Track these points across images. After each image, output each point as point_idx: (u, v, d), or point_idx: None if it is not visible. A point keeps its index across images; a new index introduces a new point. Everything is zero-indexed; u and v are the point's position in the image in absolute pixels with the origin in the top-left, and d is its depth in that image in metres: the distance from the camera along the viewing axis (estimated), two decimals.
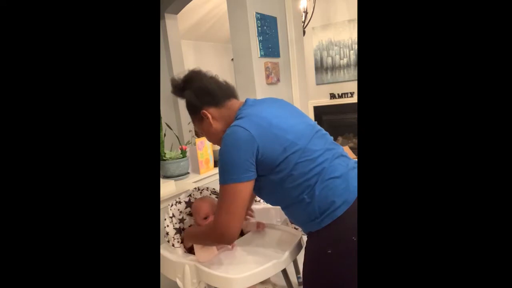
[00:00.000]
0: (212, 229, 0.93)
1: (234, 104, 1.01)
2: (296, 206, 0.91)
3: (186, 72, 1.05)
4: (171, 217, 1.16)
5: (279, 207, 1.26)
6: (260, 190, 0.95)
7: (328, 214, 0.86)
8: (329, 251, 0.86)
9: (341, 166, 0.91)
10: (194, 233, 1.09)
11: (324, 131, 1.00)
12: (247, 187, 0.88)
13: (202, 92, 0.99)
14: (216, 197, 1.30)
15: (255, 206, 1.36)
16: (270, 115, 0.93)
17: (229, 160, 0.87)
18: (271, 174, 0.89)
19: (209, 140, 1.11)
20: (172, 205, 1.19)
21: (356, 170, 0.93)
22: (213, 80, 1.03)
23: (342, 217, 0.86)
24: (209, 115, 0.99)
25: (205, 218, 1.15)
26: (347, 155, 0.97)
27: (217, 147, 1.74)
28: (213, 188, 1.32)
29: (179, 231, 1.17)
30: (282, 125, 0.91)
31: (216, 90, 1.01)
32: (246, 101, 1.00)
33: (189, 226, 1.21)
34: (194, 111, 1.02)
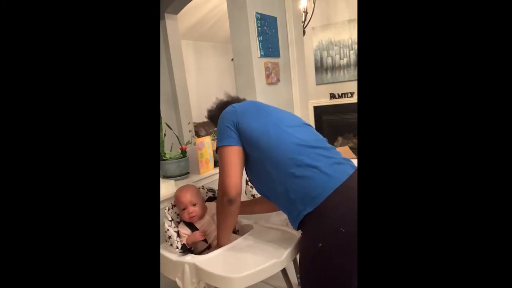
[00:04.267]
0: (218, 196, 1.04)
1: None
2: (279, 191, 0.96)
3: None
4: (170, 221, 1.16)
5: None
6: (250, 173, 1.06)
7: (310, 201, 0.89)
8: (320, 244, 0.88)
9: (322, 157, 0.95)
10: (218, 225, 1.13)
11: (317, 133, 1.07)
12: (230, 150, 1.00)
13: (222, 104, 1.23)
14: (212, 194, 1.32)
15: None
16: (263, 105, 1.11)
17: (218, 130, 1.06)
18: (252, 150, 1.00)
19: None
20: (169, 209, 1.19)
21: (341, 166, 0.96)
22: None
23: (326, 207, 0.88)
24: None
25: (184, 209, 1.17)
26: (339, 160, 0.99)
27: None
28: (209, 187, 1.32)
29: (178, 233, 1.17)
30: (271, 111, 1.07)
31: (233, 100, 1.24)
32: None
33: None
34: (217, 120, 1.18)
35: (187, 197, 1.18)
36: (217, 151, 1.04)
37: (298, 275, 1.31)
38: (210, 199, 1.31)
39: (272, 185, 0.98)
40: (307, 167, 0.92)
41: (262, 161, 0.99)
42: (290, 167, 0.93)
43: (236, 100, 1.26)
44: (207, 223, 1.19)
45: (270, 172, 0.97)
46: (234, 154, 1.01)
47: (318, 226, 0.90)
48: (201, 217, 1.20)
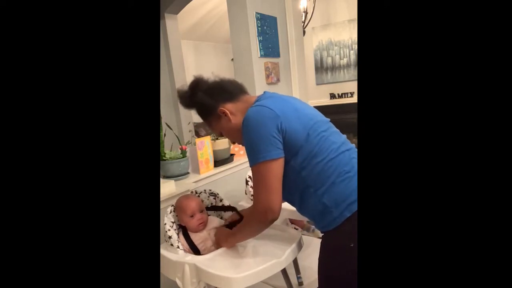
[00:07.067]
0: (253, 212, 0.92)
1: (249, 98, 1.01)
2: (312, 198, 0.90)
3: (190, 81, 1.04)
4: (172, 222, 1.16)
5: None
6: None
7: (347, 207, 0.86)
8: (352, 245, 0.84)
9: (354, 160, 0.91)
10: (235, 231, 1.06)
11: (340, 133, 1.00)
12: (277, 164, 0.86)
13: (214, 90, 0.99)
14: (213, 198, 1.29)
15: None
16: (292, 101, 0.96)
17: (254, 139, 0.87)
18: (292, 158, 0.89)
19: (232, 138, 1.07)
20: (170, 212, 1.18)
21: None
22: (220, 78, 1.04)
23: None
24: (227, 111, 0.97)
25: (192, 216, 1.14)
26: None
27: (217, 148, 1.76)
28: (210, 189, 1.31)
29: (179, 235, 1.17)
30: (305, 111, 0.94)
31: (229, 85, 1.01)
32: (264, 92, 1.01)
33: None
34: (210, 112, 1.00)
35: (194, 205, 1.15)
36: (258, 167, 0.86)
37: (298, 275, 1.31)
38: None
39: (305, 192, 0.91)
40: (345, 173, 0.88)
41: (299, 169, 0.89)
42: (330, 176, 0.88)
43: (238, 85, 1.04)
44: (205, 238, 1.15)
45: (305, 179, 0.89)
46: (281, 167, 0.87)
47: (351, 226, 0.85)
48: (204, 227, 1.17)
